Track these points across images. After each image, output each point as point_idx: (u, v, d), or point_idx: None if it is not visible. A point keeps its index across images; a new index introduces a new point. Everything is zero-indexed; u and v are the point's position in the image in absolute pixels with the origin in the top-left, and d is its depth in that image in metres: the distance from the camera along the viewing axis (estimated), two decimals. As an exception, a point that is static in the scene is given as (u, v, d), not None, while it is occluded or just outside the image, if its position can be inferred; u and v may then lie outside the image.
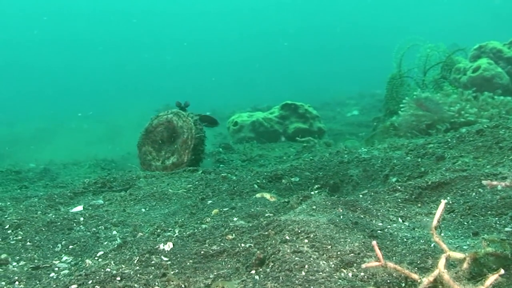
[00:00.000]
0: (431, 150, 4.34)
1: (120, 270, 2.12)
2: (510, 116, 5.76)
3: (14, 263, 2.63)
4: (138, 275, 2.06)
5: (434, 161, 4.02)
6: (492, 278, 1.59)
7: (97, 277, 2.04)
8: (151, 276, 2.07)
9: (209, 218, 3.22)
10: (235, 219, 3.09)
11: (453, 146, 4.33)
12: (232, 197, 3.89)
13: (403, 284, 1.81)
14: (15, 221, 3.23)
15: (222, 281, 2.05)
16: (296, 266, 1.93)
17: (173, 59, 36.86)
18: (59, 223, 3.20)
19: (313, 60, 33.61)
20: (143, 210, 3.66)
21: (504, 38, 8.18)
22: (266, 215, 3.11)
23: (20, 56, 37.25)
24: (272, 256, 2.08)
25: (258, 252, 2.18)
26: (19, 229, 3.13)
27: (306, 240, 2.17)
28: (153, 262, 2.24)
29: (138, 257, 2.28)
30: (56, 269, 2.52)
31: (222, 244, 2.40)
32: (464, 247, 2.19)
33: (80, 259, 2.66)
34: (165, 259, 2.29)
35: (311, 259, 2.00)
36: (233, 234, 2.52)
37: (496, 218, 2.51)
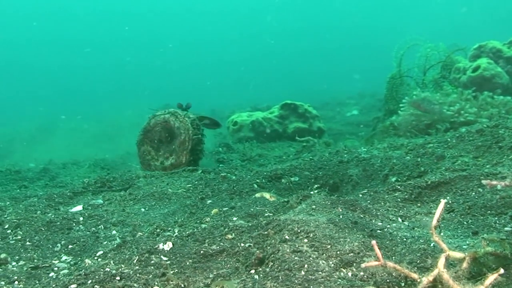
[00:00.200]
0: (431, 149, 4.34)
1: (120, 269, 2.12)
2: (509, 115, 5.75)
3: (14, 263, 2.63)
4: (138, 275, 2.06)
5: (433, 161, 4.02)
6: (491, 278, 1.59)
7: (97, 277, 2.04)
8: (150, 276, 2.07)
9: (209, 218, 3.21)
10: (234, 218, 3.09)
11: (452, 146, 4.33)
12: (231, 197, 3.88)
13: (403, 284, 1.81)
14: (15, 220, 3.23)
15: (221, 280, 2.04)
16: (295, 266, 1.93)
17: (173, 59, 36.88)
18: (58, 223, 3.20)
19: (313, 60, 33.63)
20: (143, 209, 3.66)
21: (504, 38, 8.18)
22: (266, 214, 3.10)
23: (19, 56, 37.25)
24: (272, 255, 2.08)
25: (257, 251, 2.18)
26: (19, 228, 3.13)
27: (305, 240, 2.17)
28: (152, 261, 2.24)
29: (137, 257, 2.28)
30: (56, 268, 2.52)
31: (222, 243, 2.40)
32: (464, 246, 2.19)
33: (79, 258, 2.66)
34: (165, 258, 2.29)
35: (311, 258, 1.99)
36: (233, 234, 2.52)
37: (496, 218, 2.51)
